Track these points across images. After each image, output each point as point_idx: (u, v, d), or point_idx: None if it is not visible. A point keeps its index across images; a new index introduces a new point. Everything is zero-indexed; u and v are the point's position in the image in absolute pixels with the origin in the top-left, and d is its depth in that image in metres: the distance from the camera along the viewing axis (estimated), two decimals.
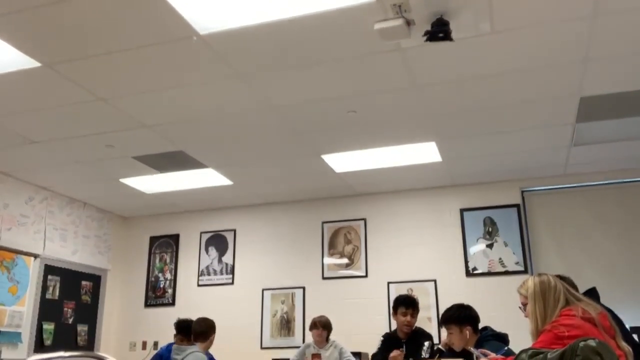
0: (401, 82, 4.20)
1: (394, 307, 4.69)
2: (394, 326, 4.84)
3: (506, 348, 3.28)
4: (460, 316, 3.57)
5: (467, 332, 3.48)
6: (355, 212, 6.87)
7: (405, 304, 4.61)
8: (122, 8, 3.29)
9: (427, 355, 4.00)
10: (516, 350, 2.49)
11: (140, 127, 4.94)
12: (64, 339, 6.54)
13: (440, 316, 5.98)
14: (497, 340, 3.43)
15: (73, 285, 6.85)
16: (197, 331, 4.67)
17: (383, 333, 5.06)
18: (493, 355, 2.95)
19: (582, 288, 3.24)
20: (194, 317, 5.48)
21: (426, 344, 4.06)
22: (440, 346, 4.58)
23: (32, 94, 4.33)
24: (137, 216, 7.81)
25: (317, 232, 6.95)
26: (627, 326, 5.47)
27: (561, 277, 3.14)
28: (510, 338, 3.67)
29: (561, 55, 3.85)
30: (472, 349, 3.22)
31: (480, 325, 3.68)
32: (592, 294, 3.68)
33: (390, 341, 4.69)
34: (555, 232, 6.18)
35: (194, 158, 5.69)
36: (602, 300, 3.45)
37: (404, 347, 4.54)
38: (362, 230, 6.79)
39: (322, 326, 5.19)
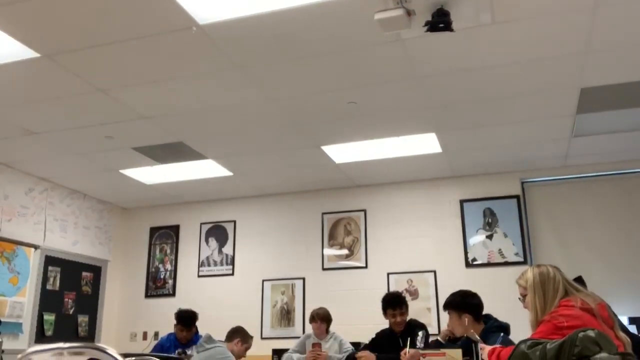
0: (401, 73, 4.19)
1: (382, 308, 4.69)
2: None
3: (502, 335, 3.28)
4: (459, 302, 3.53)
5: (466, 319, 3.45)
6: (355, 203, 6.88)
7: (392, 306, 4.60)
8: None
9: (422, 345, 4.02)
10: (515, 341, 2.50)
11: (140, 118, 4.93)
12: (65, 330, 6.57)
13: (440, 305, 6.07)
14: (501, 331, 3.42)
15: (73, 276, 6.87)
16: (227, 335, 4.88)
17: (382, 324, 5.08)
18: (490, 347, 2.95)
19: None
20: (194, 308, 5.52)
21: (420, 333, 4.07)
22: (439, 337, 4.61)
23: (32, 85, 4.32)
24: (137, 207, 7.82)
25: (317, 223, 6.96)
26: (627, 317, 5.51)
27: (575, 279, 3.17)
28: (510, 329, 3.67)
29: (562, 46, 3.84)
30: (473, 337, 3.22)
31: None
32: (578, 282, 3.68)
33: (384, 338, 4.72)
34: (555, 223, 6.18)
35: (193, 149, 5.69)
36: (600, 291, 3.46)
37: (400, 339, 4.57)
38: (362, 221, 6.79)
39: (321, 319, 5.19)
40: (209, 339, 4.62)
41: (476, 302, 3.52)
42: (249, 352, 4.97)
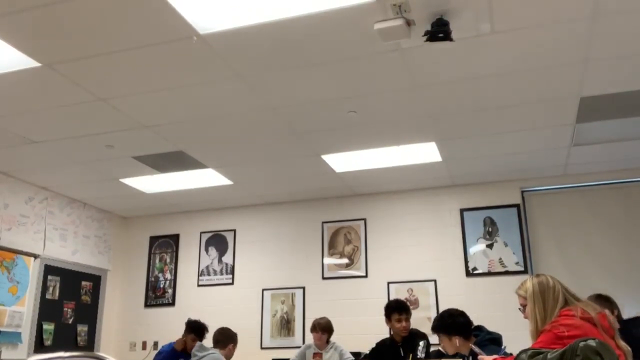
0: (401, 83, 4.20)
1: (387, 314, 4.69)
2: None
3: (504, 351, 3.27)
4: (449, 325, 3.53)
5: (457, 340, 3.45)
6: (355, 212, 6.87)
7: (399, 310, 4.62)
8: (122, 8, 3.29)
9: (423, 355, 4.01)
10: (515, 351, 2.49)
11: (140, 127, 4.94)
12: (64, 339, 6.54)
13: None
14: (493, 344, 3.42)
15: (73, 285, 6.85)
16: (215, 339, 4.87)
17: (382, 334, 5.08)
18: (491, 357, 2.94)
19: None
20: (194, 317, 5.50)
21: (421, 343, 4.07)
22: (440, 347, 4.60)
23: (32, 94, 4.33)
24: (137, 216, 7.81)
25: (317, 232, 6.95)
26: None
27: (605, 298, 3.31)
28: (510, 338, 3.66)
29: (561, 55, 3.85)
30: (475, 349, 3.21)
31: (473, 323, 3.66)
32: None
33: (384, 348, 4.72)
34: (555, 232, 6.18)
35: (193, 158, 5.69)
36: None
37: (401, 349, 4.56)
38: (362, 230, 6.78)
39: (322, 329, 5.18)
40: (201, 348, 4.66)
41: (464, 321, 3.52)
42: None
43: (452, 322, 3.51)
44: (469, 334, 3.50)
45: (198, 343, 4.79)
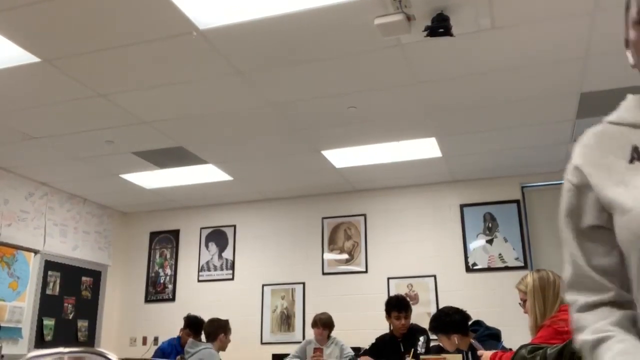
0: (401, 78, 4.20)
1: (387, 310, 4.70)
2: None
3: (503, 346, 3.28)
4: (446, 324, 3.54)
5: (455, 338, 3.48)
6: (355, 208, 6.88)
7: (398, 308, 4.62)
8: (121, 3, 3.28)
9: (423, 350, 4.02)
10: (514, 346, 2.50)
11: (140, 123, 4.93)
12: (65, 335, 6.56)
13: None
14: (492, 339, 3.43)
15: (73, 281, 6.86)
16: (206, 332, 4.82)
17: (382, 329, 5.08)
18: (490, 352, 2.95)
19: None
20: (194, 313, 5.52)
21: (421, 339, 4.08)
22: (440, 343, 4.60)
23: (32, 89, 4.32)
24: (137, 212, 7.82)
25: (317, 228, 6.96)
26: None
27: None
28: (509, 334, 3.67)
29: (561, 51, 3.85)
30: (474, 343, 3.23)
31: (471, 317, 3.67)
32: None
33: (384, 343, 4.73)
34: (555, 228, 6.08)
35: (193, 154, 5.69)
36: None
37: (401, 345, 4.57)
38: (362, 226, 6.79)
39: (323, 325, 5.18)
40: (193, 344, 4.67)
41: (460, 318, 3.54)
42: (250, 358, 4.98)
43: (449, 320, 3.53)
44: (467, 330, 3.52)
45: (190, 340, 4.79)
